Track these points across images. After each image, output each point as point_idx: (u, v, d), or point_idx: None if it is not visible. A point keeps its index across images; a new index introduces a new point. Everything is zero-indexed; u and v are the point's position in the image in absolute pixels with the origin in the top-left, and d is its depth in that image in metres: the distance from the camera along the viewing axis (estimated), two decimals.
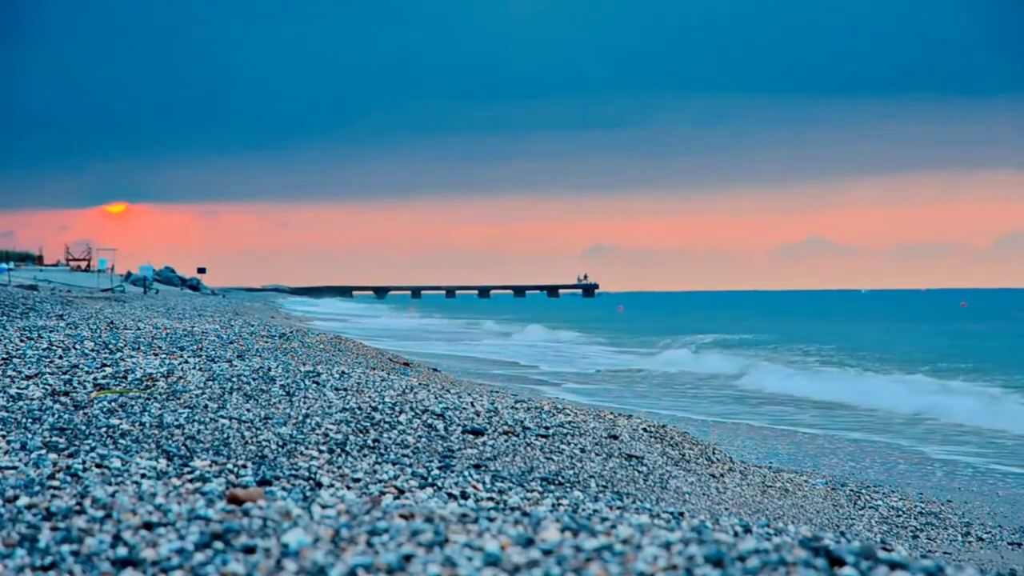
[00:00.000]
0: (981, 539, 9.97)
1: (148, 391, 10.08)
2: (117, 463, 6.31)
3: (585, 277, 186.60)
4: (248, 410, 9.49)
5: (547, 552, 4.08)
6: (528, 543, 4.18)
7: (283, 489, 6.07)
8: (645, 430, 11.68)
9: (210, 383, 10.68)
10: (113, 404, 9.28)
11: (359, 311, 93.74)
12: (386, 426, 9.56)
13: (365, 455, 8.45)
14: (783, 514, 9.68)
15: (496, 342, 47.83)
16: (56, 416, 8.67)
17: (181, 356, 13.28)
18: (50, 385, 10.06)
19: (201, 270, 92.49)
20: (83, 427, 8.28)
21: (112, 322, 19.97)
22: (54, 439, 7.44)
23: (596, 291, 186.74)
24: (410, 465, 8.10)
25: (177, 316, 27.30)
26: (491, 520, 4.55)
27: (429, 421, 9.95)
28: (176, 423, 8.71)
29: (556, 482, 8.63)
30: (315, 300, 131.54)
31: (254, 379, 11.16)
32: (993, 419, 20.09)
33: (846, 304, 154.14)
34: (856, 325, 69.96)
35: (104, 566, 4.10)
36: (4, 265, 69.11)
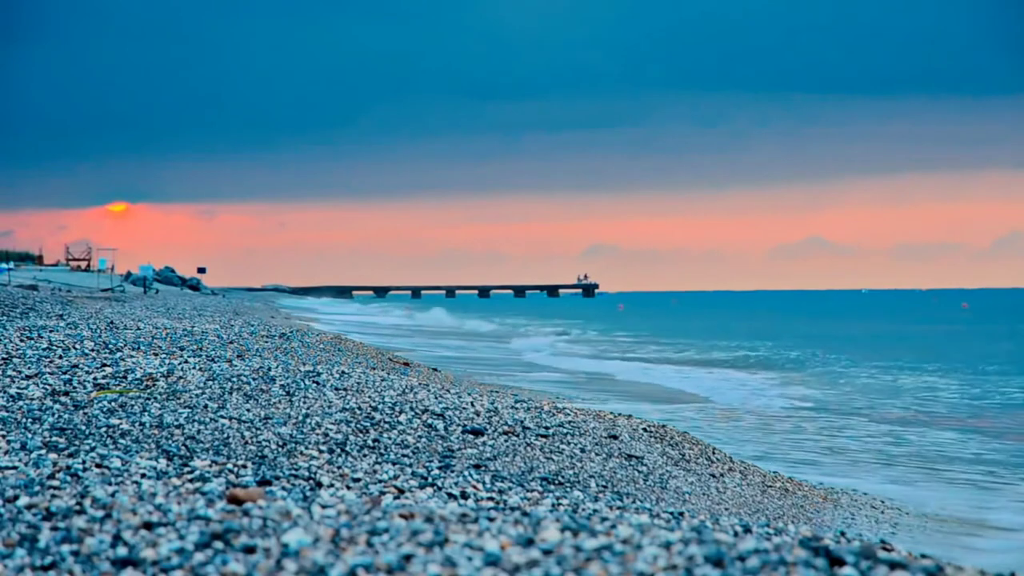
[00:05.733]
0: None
1: (148, 391, 10.08)
2: (117, 463, 6.31)
3: (585, 277, 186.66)
4: (248, 410, 9.49)
5: (547, 552, 4.08)
6: (528, 543, 4.18)
7: (283, 489, 6.08)
8: (645, 430, 11.68)
9: (210, 383, 10.68)
10: (113, 404, 9.28)
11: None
12: (386, 426, 9.56)
13: (365, 455, 8.45)
14: (783, 514, 9.68)
15: None
16: (56, 416, 8.67)
17: (181, 356, 13.28)
18: (50, 385, 10.06)
19: (201, 270, 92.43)
20: (83, 427, 8.28)
21: (112, 322, 19.97)
22: (54, 439, 7.44)
23: (596, 291, 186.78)
24: (410, 465, 8.10)
25: (177, 316, 27.30)
26: (491, 520, 4.55)
27: (429, 421, 9.95)
28: (176, 423, 8.71)
29: (556, 482, 8.63)
30: (342, 302, 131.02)
31: (254, 379, 11.16)
32: (992, 416, 20.11)
33: (848, 304, 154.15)
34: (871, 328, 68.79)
35: (104, 566, 4.10)
36: (4, 265, 69.10)
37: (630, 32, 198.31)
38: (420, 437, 9.39)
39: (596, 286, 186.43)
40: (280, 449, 8.21)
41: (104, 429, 8.27)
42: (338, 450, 8.47)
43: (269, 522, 4.46)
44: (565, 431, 10.47)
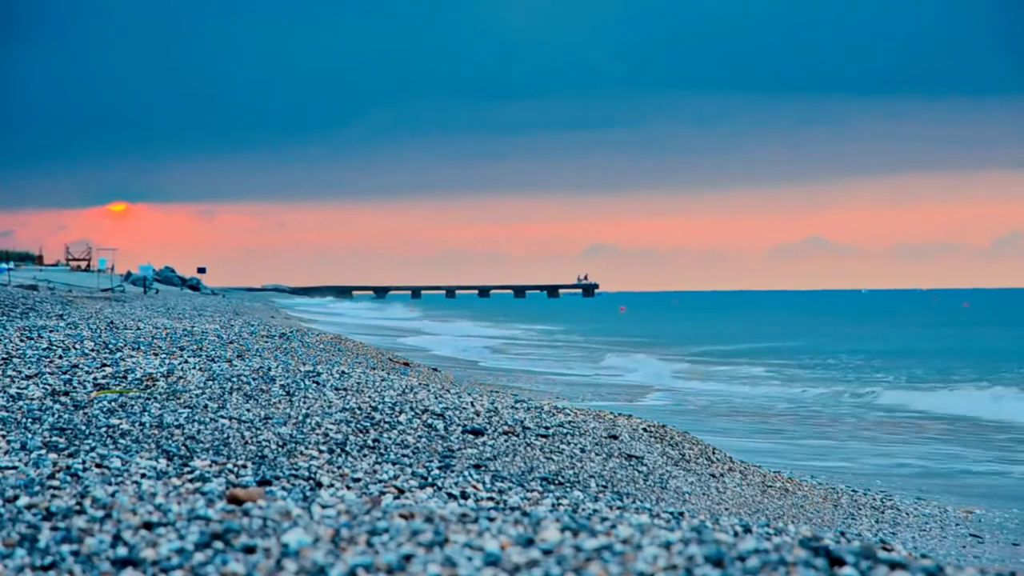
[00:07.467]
0: (981, 539, 9.97)
1: (148, 391, 10.08)
2: (117, 463, 6.31)
3: (585, 277, 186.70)
4: (248, 410, 9.49)
5: (547, 552, 4.08)
6: (528, 543, 4.18)
7: (283, 489, 6.08)
8: (645, 430, 11.68)
9: (210, 383, 10.68)
10: (113, 404, 9.28)
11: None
12: (386, 426, 9.56)
13: (365, 455, 8.46)
14: (783, 514, 9.68)
15: None
16: (56, 416, 8.67)
17: (181, 356, 13.28)
18: (50, 385, 10.06)
19: (201, 270, 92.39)
20: (83, 427, 8.28)
21: (112, 322, 19.97)
22: (54, 439, 7.44)
23: (596, 291, 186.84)
24: (410, 465, 8.10)
25: (177, 316, 27.30)
26: (491, 520, 4.55)
27: (429, 421, 9.95)
28: (176, 423, 8.71)
29: (556, 482, 8.63)
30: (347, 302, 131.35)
31: (254, 379, 11.16)
32: (992, 416, 20.10)
33: (849, 305, 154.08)
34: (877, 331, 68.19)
35: (104, 566, 4.10)
36: (4, 265, 69.07)
37: (630, 32, 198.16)
38: (420, 437, 9.39)
39: (596, 286, 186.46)
40: (280, 449, 8.21)
41: (104, 429, 8.27)
42: (338, 450, 8.47)
43: (269, 522, 4.46)
44: (565, 431, 10.47)
